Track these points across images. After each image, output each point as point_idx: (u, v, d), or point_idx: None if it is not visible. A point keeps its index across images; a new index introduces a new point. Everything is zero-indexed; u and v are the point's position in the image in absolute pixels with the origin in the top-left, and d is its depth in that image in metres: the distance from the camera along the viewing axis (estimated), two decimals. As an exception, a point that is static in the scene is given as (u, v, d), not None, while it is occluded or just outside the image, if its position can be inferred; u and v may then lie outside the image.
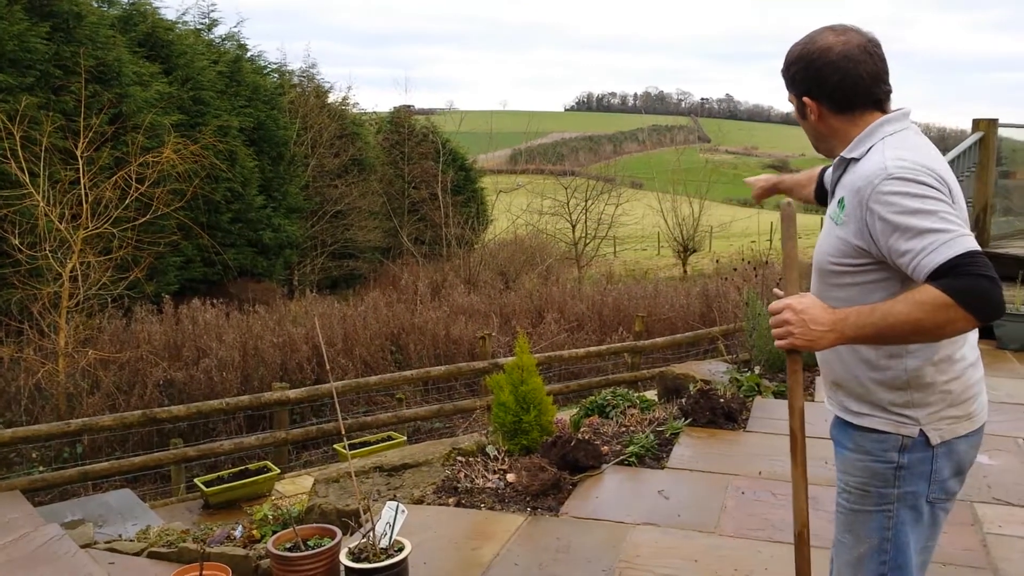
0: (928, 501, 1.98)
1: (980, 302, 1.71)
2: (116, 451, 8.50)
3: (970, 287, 1.70)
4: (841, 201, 1.94)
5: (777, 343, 1.88)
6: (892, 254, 1.83)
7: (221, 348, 10.32)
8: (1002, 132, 8.56)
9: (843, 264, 1.94)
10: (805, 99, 2.01)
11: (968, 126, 8.07)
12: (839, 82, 1.96)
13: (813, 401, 5.23)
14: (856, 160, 1.95)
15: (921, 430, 1.95)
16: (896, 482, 1.97)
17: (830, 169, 2.28)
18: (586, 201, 25.37)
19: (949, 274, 1.73)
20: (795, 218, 1.86)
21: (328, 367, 3.77)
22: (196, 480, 7.04)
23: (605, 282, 18.43)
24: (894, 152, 1.87)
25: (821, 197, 2.46)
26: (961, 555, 3.35)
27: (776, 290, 1.96)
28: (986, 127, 7.81)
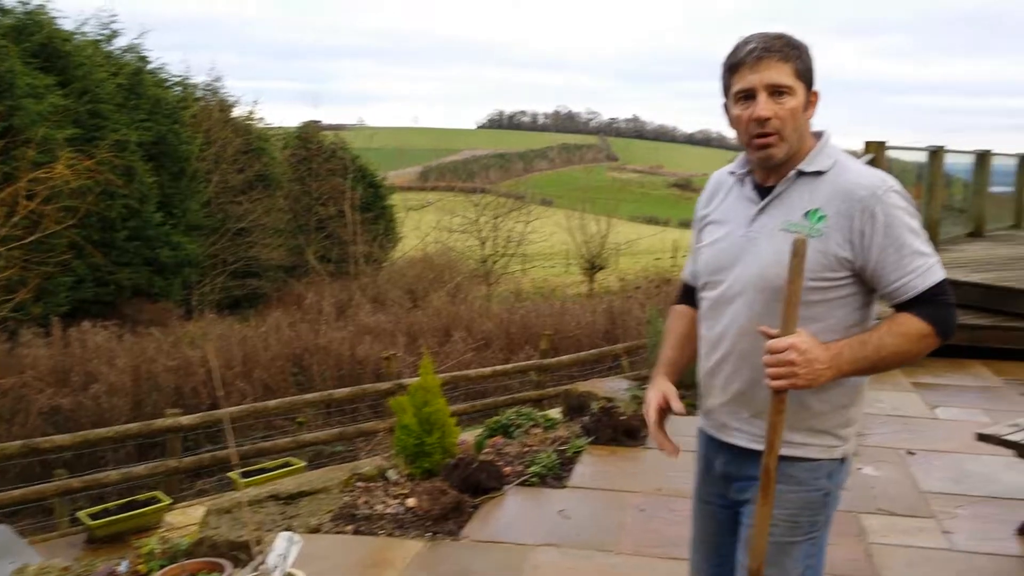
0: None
1: (951, 331, 1.85)
2: (-6, 483, 8.03)
3: (948, 318, 1.84)
4: (814, 212, 1.85)
5: (775, 383, 1.75)
6: (880, 267, 1.82)
7: (112, 373, 9.90)
8: (890, 154, 8.98)
9: (821, 279, 1.84)
10: (814, 92, 1.92)
11: (862, 147, 8.44)
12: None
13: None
14: (821, 173, 1.88)
15: (843, 450, 1.97)
16: (824, 508, 1.97)
17: (690, 261, 2.18)
18: (496, 219, 25.45)
19: (930, 302, 1.82)
20: (806, 256, 1.73)
21: (223, 392, 3.62)
22: (80, 513, 6.70)
23: (513, 300, 18.50)
24: (873, 168, 1.92)
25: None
26: (846, 565, 3.45)
27: (764, 328, 1.80)
28: (875, 149, 8.19)
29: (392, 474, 4.66)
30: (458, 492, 4.23)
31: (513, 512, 4.16)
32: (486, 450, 5.08)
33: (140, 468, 7.42)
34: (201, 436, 9.12)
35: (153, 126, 17.96)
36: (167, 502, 6.78)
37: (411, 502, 4.26)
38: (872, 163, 6.77)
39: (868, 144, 8.29)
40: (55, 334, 11.39)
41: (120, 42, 19.62)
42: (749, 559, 1.87)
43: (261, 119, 24.74)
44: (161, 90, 19.52)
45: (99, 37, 19.05)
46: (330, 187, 23.51)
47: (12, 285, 10.81)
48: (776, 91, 1.85)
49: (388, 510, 4.23)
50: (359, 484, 4.57)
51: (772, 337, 1.77)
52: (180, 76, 22.00)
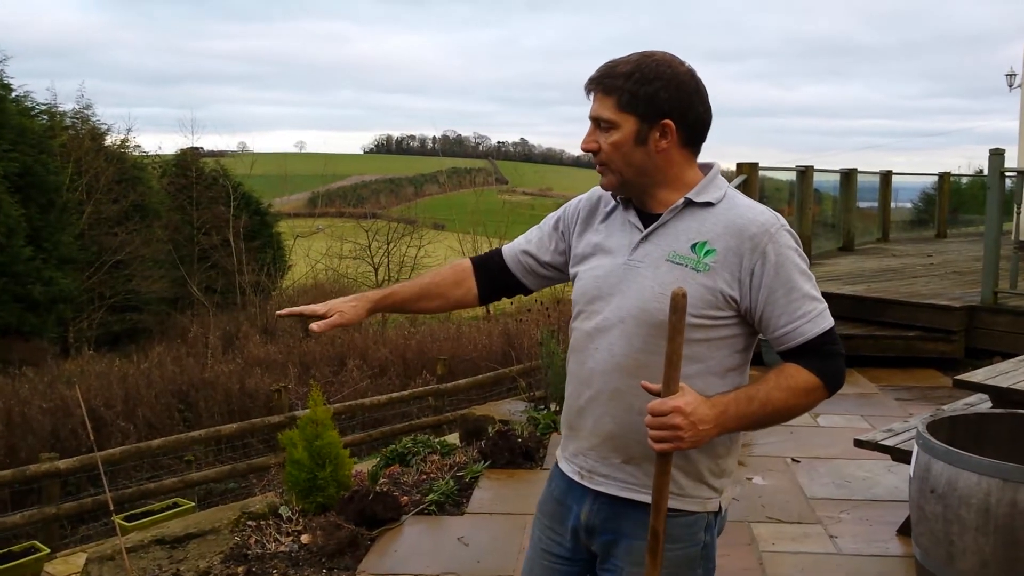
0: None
1: (839, 383, 1.77)
2: None
3: (837, 370, 1.76)
4: (701, 245, 1.75)
5: (658, 447, 1.62)
6: (769, 309, 1.74)
7: (-20, 417, 9.30)
8: (764, 173, 9.39)
9: (705, 316, 1.73)
10: (667, 122, 1.75)
11: (734, 168, 8.77)
12: (702, 114, 1.80)
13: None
14: (711, 204, 1.78)
15: (719, 502, 1.87)
16: (701, 562, 1.86)
17: (535, 242, 2.05)
18: (388, 244, 25.31)
19: (818, 351, 1.74)
20: (686, 311, 1.61)
21: (92, 436, 3.42)
22: (-52, 570, 6.24)
23: (409, 325, 18.36)
24: (763, 205, 1.84)
25: (499, 287, 2.10)
26: (741, 574, 3.53)
27: (647, 384, 1.67)
28: (748, 170, 8.53)
29: (284, 511, 4.52)
30: (354, 526, 4.14)
31: (411, 543, 4.10)
32: (382, 480, 5.00)
33: (15, 517, 6.98)
34: (83, 479, 8.65)
35: (18, 156, 17.13)
36: (46, 551, 6.40)
37: (305, 539, 4.14)
38: (745, 184, 6.87)
39: (740, 165, 8.61)
40: (-86, 379, 10.62)
41: (-22, 70, 18.64)
42: None
43: (136, 147, 23.99)
44: (26, 119, 18.68)
45: (-43, 64, 18.06)
46: (212, 215, 22.85)
47: None
48: (599, 124, 1.81)
49: (281, 548, 4.09)
50: (250, 523, 4.41)
51: (654, 393, 1.66)
52: (46, 104, 21.12)
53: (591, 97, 1.82)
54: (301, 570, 3.82)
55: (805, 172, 10.43)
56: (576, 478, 1.89)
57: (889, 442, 3.88)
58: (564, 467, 1.95)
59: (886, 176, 13.23)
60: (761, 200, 9.23)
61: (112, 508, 3.20)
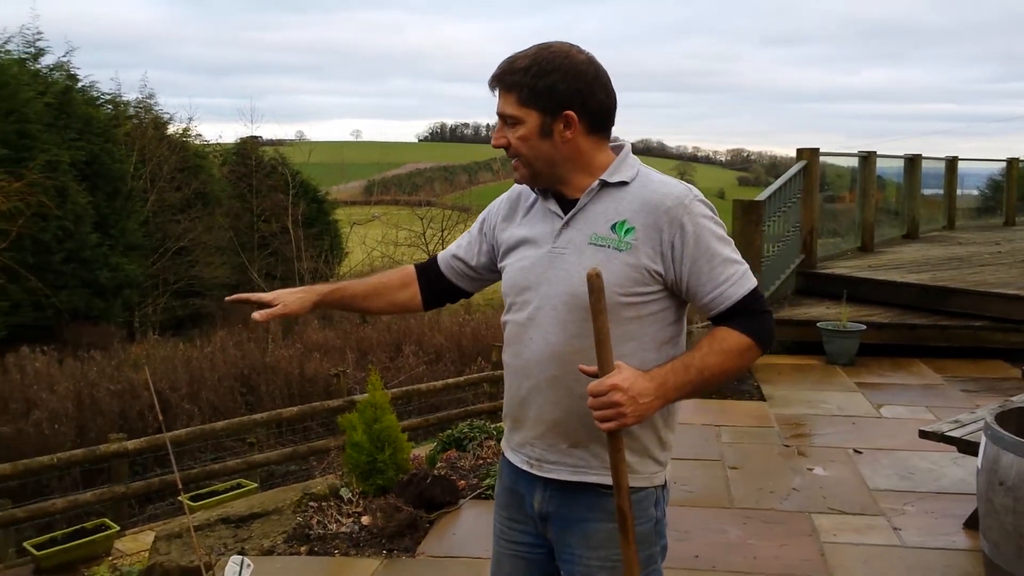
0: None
1: (770, 339, 1.81)
2: (-67, 518, 7.74)
3: (765, 327, 1.79)
4: (621, 224, 1.78)
5: (604, 426, 1.65)
6: (694, 278, 1.77)
7: (53, 399, 9.65)
8: (824, 159, 9.21)
9: (632, 295, 1.76)
10: (568, 113, 1.77)
11: (795, 155, 8.61)
12: (604, 100, 1.81)
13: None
14: (625, 183, 1.81)
15: (664, 476, 1.89)
16: (656, 538, 1.88)
17: (464, 247, 2.07)
18: (442, 231, 25.44)
19: (744, 312, 1.77)
20: (604, 290, 1.64)
21: (162, 416, 3.51)
22: (26, 544, 6.50)
23: (464, 312, 18.47)
24: (677, 180, 1.87)
25: (439, 293, 2.14)
26: (801, 565, 3.50)
27: (584, 367, 1.70)
28: (809, 156, 8.37)
29: (345, 492, 4.60)
30: (413, 508, 4.19)
31: (469, 526, 4.14)
32: (439, 464, 5.05)
33: (87, 495, 7.22)
34: (149, 460, 8.93)
35: (85, 145, 17.61)
36: (116, 529, 6.62)
37: (365, 520, 4.22)
38: (805, 169, 6.77)
39: (800, 151, 8.46)
40: (-9, 361, 11.06)
41: (47, 60, 19.25)
42: None
43: (198, 136, 24.51)
44: (92, 108, 19.18)
45: (24, 55, 18.63)
46: (272, 203, 23.24)
47: (-57, 312, 10.47)
48: (505, 120, 1.83)
49: (342, 529, 4.17)
50: (312, 504, 4.50)
51: (591, 375, 1.67)
52: (111, 94, 21.66)
53: (495, 94, 1.84)
54: (362, 551, 3.89)
55: (868, 158, 10.19)
56: (525, 467, 1.90)
57: (955, 433, 3.80)
58: (512, 457, 1.96)
59: (952, 162, 12.86)
60: (822, 187, 9.10)
61: (181, 487, 3.30)
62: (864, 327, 6.74)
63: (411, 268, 2.15)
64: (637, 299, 1.76)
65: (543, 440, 1.85)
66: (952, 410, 5.03)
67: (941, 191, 13.19)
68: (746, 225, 6.95)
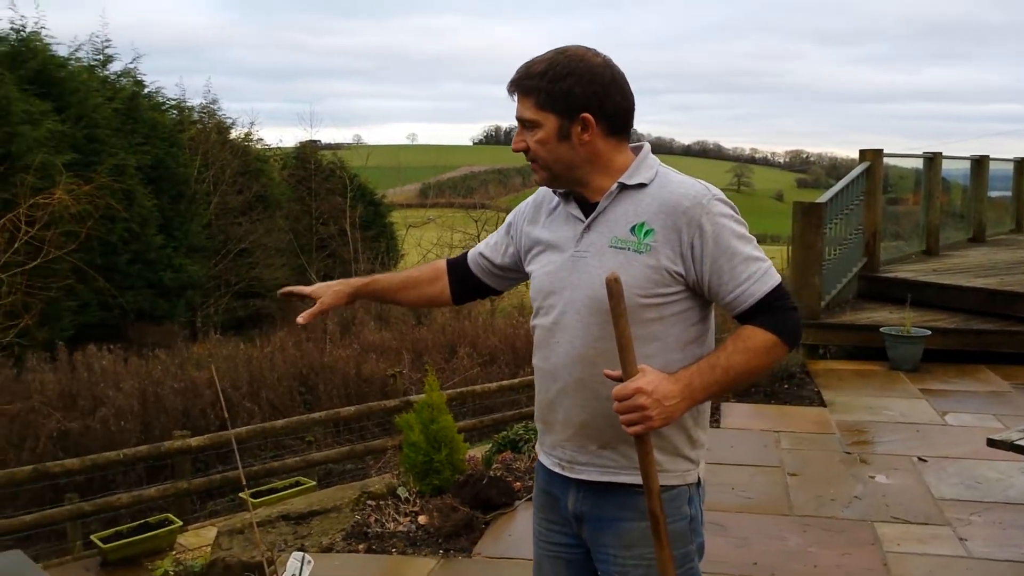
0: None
1: (797, 337, 1.81)
2: (6, 509, 8.01)
3: (791, 324, 1.79)
4: (640, 227, 1.78)
5: (631, 430, 1.66)
6: (716, 278, 1.77)
7: (119, 396, 9.90)
8: (888, 161, 9.01)
9: (654, 296, 1.77)
10: (585, 115, 1.78)
11: (858, 155, 8.45)
12: (621, 103, 1.82)
13: (719, 427, 5.32)
14: (644, 185, 1.81)
15: (697, 473, 1.89)
16: (691, 536, 1.88)
17: (491, 246, 2.10)
18: (496, 234, 25.50)
19: (768, 309, 1.77)
20: (623, 294, 1.65)
21: (227, 414, 3.64)
22: (93, 536, 6.69)
23: (518, 315, 18.50)
24: (696, 179, 1.86)
25: (468, 289, 2.17)
26: (864, 574, 3.44)
27: (608, 371, 1.72)
28: (872, 157, 8.20)
29: (402, 492, 4.65)
30: (469, 509, 4.22)
31: (525, 528, 4.13)
32: (495, 466, 5.07)
33: (151, 490, 7.41)
34: (211, 457, 9.12)
35: (151, 150, 18.06)
36: (179, 524, 6.78)
37: (422, 519, 4.26)
38: (868, 171, 6.66)
39: (864, 152, 8.29)
40: (61, 359, 11.40)
41: (115, 67, 19.80)
42: None
43: (259, 140, 24.97)
44: (157, 114, 19.66)
45: (94, 62, 19.21)
46: (330, 206, 23.58)
47: (16, 311, 10.84)
48: (524, 124, 1.85)
49: (400, 528, 4.22)
50: (369, 502, 4.56)
51: (616, 380, 1.69)
52: (176, 99, 22.17)
53: (514, 98, 1.86)
54: (419, 550, 3.93)
55: (933, 159, 9.94)
56: (557, 470, 1.92)
57: (1026, 442, 3.70)
58: (544, 460, 1.99)
59: (1020, 163, 12.47)
60: (885, 190, 8.90)
61: (245, 483, 3.37)
62: (929, 332, 6.58)
63: (443, 263, 2.20)
64: (658, 300, 1.77)
65: (573, 442, 1.87)
66: (1021, 418, 4.89)
67: (1008, 193, 12.80)
68: (807, 227, 6.84)
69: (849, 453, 4.85)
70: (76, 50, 18.89)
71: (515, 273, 2.10)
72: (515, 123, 1.87)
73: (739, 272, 1.76)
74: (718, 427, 5.31)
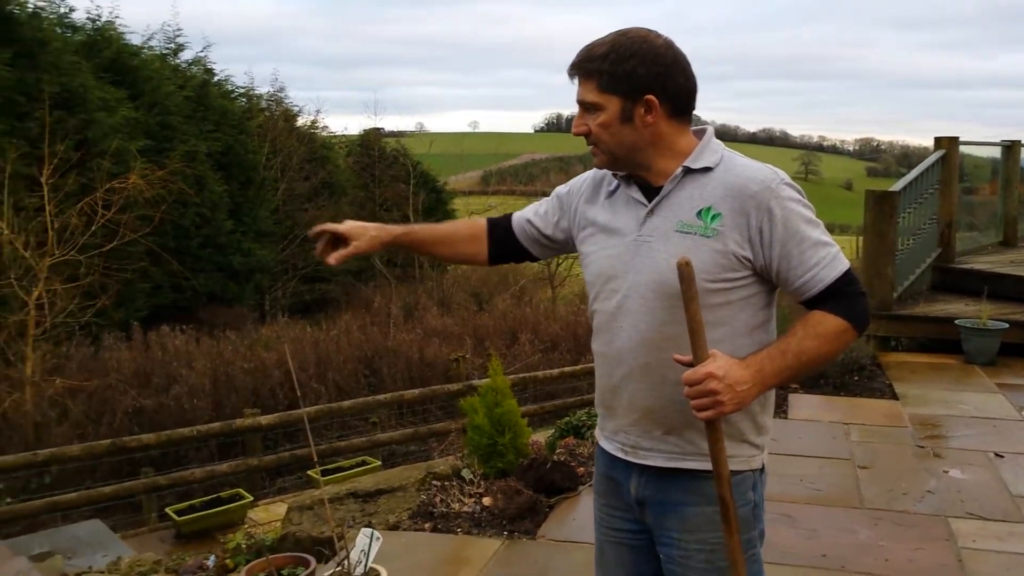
0: None
1: (866, 322, 1.79)
2: (85, 481, 8.34)
3: (861, 310, 1.77)
4: (707, 211, 1.76)
5: (702, 415, 1.65)
6: (784, 263, 1.75)
7: (191, 375, 10.21)
8: (963, 149, 8.72)
9: (721, 281, 1.76)
10: (649, 97, 1.76)
11: (931, 143, 8.20)
12: (684, 84, 1.80)
13: (787, 418, 5.26)
14: (709, 169, 1.79)
15: (761, 459, 1.88)
16: (754, 522, 1.86)
17: (540, 214, 2.08)
18: (558, 221, 25.44)
19: (840, 294, 1.75)
20: (695, 278, 1.64)
21: (300, 393, 3.73)
22: (167, 509, 6.93)
23: (579, 302, 18.49)
24: (763, 163, 1.83)
25: (507, 252, 2.15)
26: (937, 570, 3.36)
27: (678, 356, 1.70)
28: (947, 144, 7.95)
29: (467, 473, 4.70)
30: (533, 492, 4.25)
31: (589, 513, 4.11)
32: (558, 451, 5.10)
33: (223, 466, 7.62)
34: (279, 435, 9.35)
35: (221, 136, 18.46)
36: (249, 499, 6.98)
37: (487, 501, 4.30)
38: (943, 159, 6.47)
39: (938, 140, 8.05)
40: (136, 338, 11.79)
41: (186, 55, 20.28)
42: None
43: (324, 128, 25.32)
44: (227, 101, 20.05)
45: (166, 51, 19.70)
46: (393, 193, 23.83)
47: (93, 291, 11.21)
48: (585, 107, 1.82)
49: (464, 509, 4.27)
50: (434, 483, 4.62)
51: (686, 364, 1.68)
52: (245, 87, 22.61)
53: (575, 82, 1.84)
54: (484, 530, 3.97)
55: (1011, 147, 9.59)
56: (620, 455, 1.91)
57: (1112, 439, 3.57)
58: (606, 445, 1.97)
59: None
60: (960, 179, 8.63)
61: (316, 460, 3.45)
62: (1006, 325, 6.37)
63: (483, 223, 2.17)
64: (726, 285, 1.76)
65: (637, 427, 1.85)
66: (1106, 415, 4.72)
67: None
68: (879, 216, 6.68)
69: (922, 447, 4.74)
70: (149, 39, 19.44)
71: (562, 245, 2.09)
72: (576, 110, 1.86)
73: (808, 257, 1.74)
74: (786, 418, 5.24)
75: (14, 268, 10.02)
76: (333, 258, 2.04)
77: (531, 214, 2.12)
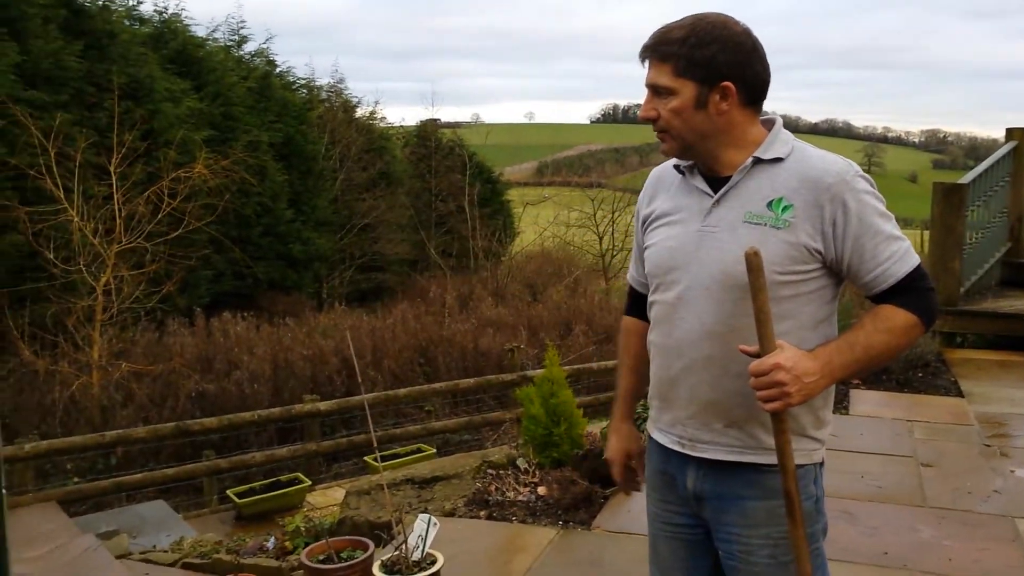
0: None
1: (935, 316, 1.78)
2: (149, 462, 8.59)
3: (930, 305, 1.76)
4: (778, 202, 1.74)
5: (769, 406, 1.63)
6: (857, 257, 1.73)
7: (252, 361, 10.42)
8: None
9: (791, 273, 1.73)
10: (726, 84, 1.73)
11: (1001, 135, 7.96)
12: (760, 73, 1.78)
13: (848, 414, 5.16)
14: (780, 160, 1.77)
15: (822, 453, 1.85)
16: (817, 516, 1.84)
17: (634, 260, 2.07)
18: (613, 213, 25.32)
19: (910, 289, 1.73)
20: (763, 269, 1.62)
21: (360, 379, 3.79)
22: (228, 491, 7.10)
23: (633, 294, 18.41)
24: (836, 155, 1.81)
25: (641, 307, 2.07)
26: (1004, 572, 3.28)
27: (744, 347, 1.68)
28: (1020, 136, 7.69)
29: (521, 463, 4.73)
30: (588, 483, 4.26)
31: (644, 505, 4.15)
32: (614, 442, 5.09)
33: (283, 450, 7.78)
34: (336, 422, 9.50)
35: (282, 127, 18.72)
36: (308, 483, 7.11)
37: (542, 490, 4.31)
38: (1015, 151, 6.26)
39: (1010, 131, 7.79)
40: (198, 324, 12.07)
41: (249, 47, 20.58)
42: None
43: (382, 119, 25.47)
44: (288, 92, 20.32)
45: (229, 43, 20.02)
46: (449, 183, 23.95)
47: (159, 278, 11.51)
48: (657, 91, 1.78)
49: (519, 497, 4.29)
50: (490, 471, 4.65)
51: (752, 355, 1.65)
52: (305, 79, 22.88)
53: (646, 64, 1.80)
54: (539, 519, 3.99)
55: (1091, 138, 9.24)
56: (676, 448, 1.88)
57: None
58: (660, 438, 1.94)
59: None
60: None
61: (376, 446, 3.51)
62: (1080, 323, 6.16)
63: (631, 321, 2.14)
64: (795, 277, 1.74)
65: (696, 420, 1.83)
66: None
67: None
68: (947, 210, 6.51)
69: (988, 446, 4.62)
70: (213, 31, 19.80)
71: None
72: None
73: (881, 251, 1.72)
74: (847, 414, 5.15)
75: (83, 254, 10.34)
76: (629, 487, 2.18)
77: (633, 270, 2.11)
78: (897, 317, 1.71)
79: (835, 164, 1.75)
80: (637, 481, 2.13)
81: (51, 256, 10.30)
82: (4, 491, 3.00)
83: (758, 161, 1.78)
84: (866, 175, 1.77)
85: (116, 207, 10.68)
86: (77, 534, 5.38)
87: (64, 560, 4.85)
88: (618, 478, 2.14)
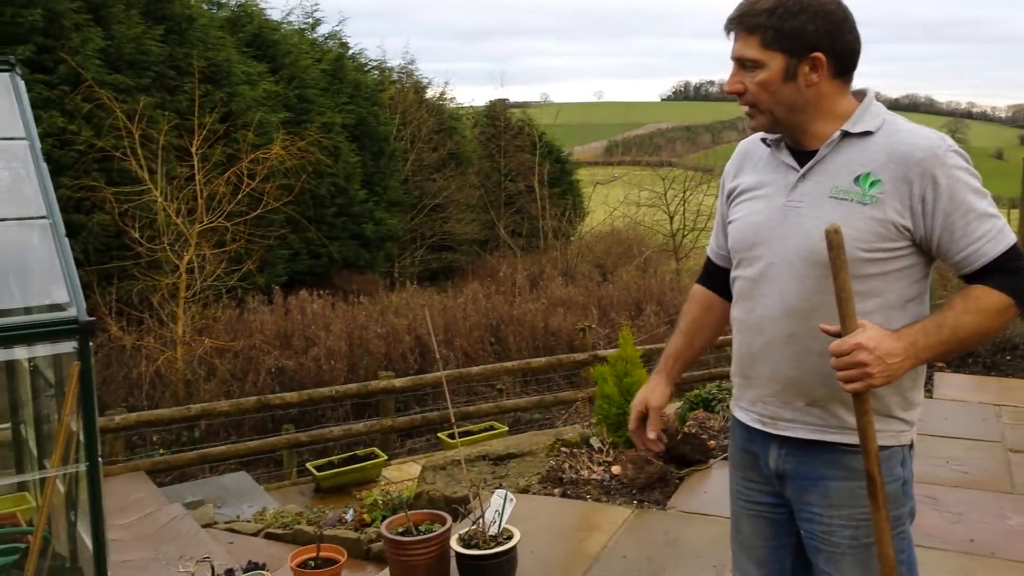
0: None
1: None
2: (231, 435, 8.86)
3: None
4: (865, 177, 1.69)
5: (849, 387, 1.59)
6: (947, 234, 1.67)
7: (328, 338, 10.64)
8: None
9: (878, 250, 1.68)
10: (816, 55, 1.69)
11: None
12: (851, 42, 1.73)
13: (932, 397, 5.03)
14: (870, 133, 1.72)
15: (911, 435, 1.81)
16: (904, 499, 1.80)
17: (715, 235, 2.05)
18: (684, 192, 24.96)
19: (1005, 269, 1.66)
20: (844, 247, 1.58)
21: (438, 355, 3.86)
22: (308, 464, 7.29)
23: (705, 274, 18.17)
24: (929, 128, 1.74)
25: (724, 283, 2.02)
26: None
27: (825, 326, 1.64)
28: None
29: (595, 441, 4.74)
30: (663, 463, 4.25)
31: (720, 486, 4.10)
32: (688, 423, 5.06)
33: (359, 425, 7.95)
34: (410, 398, 9.66)
35: (355, 109, 18.95)
36: (384, 458, 7.26)
37: (616, 470, 4.32)
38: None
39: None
40: (277, 302, 12.38)
41: (322, 30, 20.90)
42: (882, 569, 1.66)
43: (452, 99, 25.61)
44: (360, 74, 20.53)
45: (303, 26, 20.33)
46: (518, 163, 23.97)
47: (239, 257, 11.82)
48: (743, 64, 1.73)
49: (593, 476, 4.31)
50: (563, 449, 4.68)
51: (832, 335, 1.61)
52: (377, 61, 23.11)
53: (731, 37, 1.76)
54: (613, 498, 4.00)
55: None
56: (758, 426, 1.86)
57: None
58: (742, 416, 1.92)
59: None
60: None
61: (452, 422, 3.56)
62: None
63: (699, 291, 2.13)
64: (882, 255, 1.69)
65: (777, 398, 1.81)
66: None
67: None
68: (1039, 187, 6.25)
69: (1082, 433, 4.45)
70: (288, 14, 20.23)
71: None
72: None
73: (973, 229, 1.67)
74: (931, 397, 5.02)
75: (167, 234, 10.68)
76: (652, 435, 2.09)
77: (715, 244, 2.09)
78: (989, 298, 1.65)
79: (926, 138, 1.70)
80: (648, 438, 2.08)
81: (136, 235, 10.68)
82: (100, 459, 3.15)
83: (846, 135, 1.74)
84: (960, 150, 1.71)
85: (197, 187, 10.99)
86: (165, 503, 5.60)
87: (154, 528, 5.07)
88: (631, 426, 2.11)
